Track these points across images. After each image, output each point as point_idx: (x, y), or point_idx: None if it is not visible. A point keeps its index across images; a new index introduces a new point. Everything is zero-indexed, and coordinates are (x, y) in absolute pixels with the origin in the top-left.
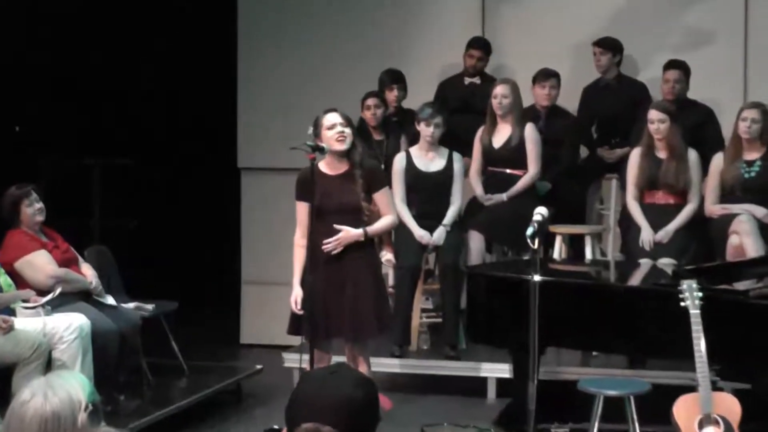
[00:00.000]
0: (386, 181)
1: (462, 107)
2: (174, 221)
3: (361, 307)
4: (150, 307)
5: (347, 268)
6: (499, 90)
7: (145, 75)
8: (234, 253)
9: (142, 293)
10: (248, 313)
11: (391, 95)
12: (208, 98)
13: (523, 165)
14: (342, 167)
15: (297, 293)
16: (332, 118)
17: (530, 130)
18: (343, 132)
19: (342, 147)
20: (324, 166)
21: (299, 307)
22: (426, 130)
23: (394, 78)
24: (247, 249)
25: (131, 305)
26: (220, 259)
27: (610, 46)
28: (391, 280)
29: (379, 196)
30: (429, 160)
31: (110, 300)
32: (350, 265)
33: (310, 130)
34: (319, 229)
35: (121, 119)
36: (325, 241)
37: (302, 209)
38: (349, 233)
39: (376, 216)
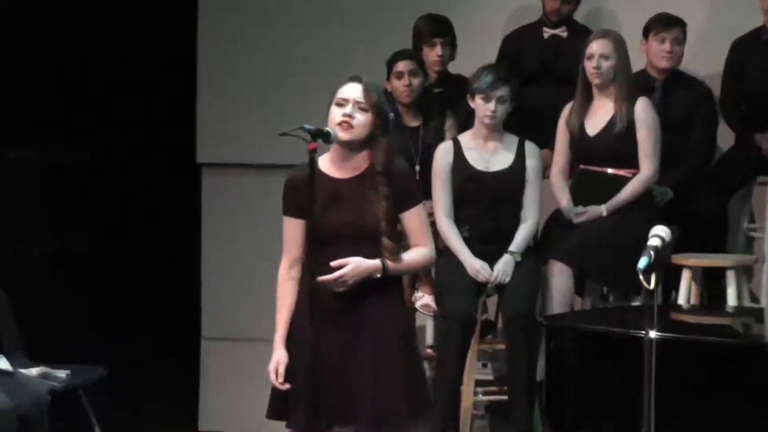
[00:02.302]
0: (420, 194)
1: (539, 73)
2: (102, 244)
3: (382, 382)
4: (63, 374)
5: (362, 322)
6: (597, 47)
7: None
8: (191, 293)
9: (52, 353)
10: (211, 384)
11: (433, 55)
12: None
13: (631, 161)
14: (354, 167)
15: (279, 358)
16: (347, 92)
17: (644, 108)
18: (350, 116)
19: (345, 136)
20: (326, 164)
21: (281, 379)
22: (484, 108)
23: (438, 27)
24: (210, 288)
25: (35, 371)
26: (171, 301)
27: None
28: (429, 337)
29: (409, 218)
30: (488, 154)
31: (3, 364)
32: (366, 316)
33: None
34: (318, 260)
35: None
36: (320, 279)
37: (292, 229)
38: (360, 265)
39: (405, 245)
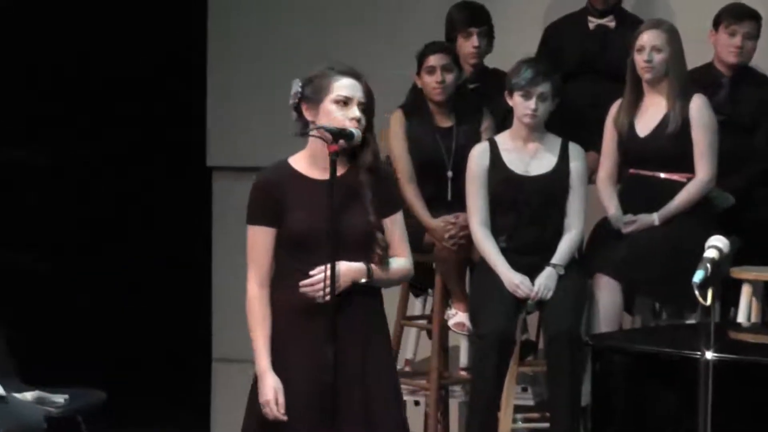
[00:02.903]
0: (401, 199)
1: (584, 68)
2: (100, 258)
3: (372, 399)
4: (60, 398)
5: (343, 333)
6: (648, 39)
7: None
8: (200, 311)
9: (49, 377)
10: (221, 407)
11: (468, 46)
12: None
13: (685, 165)
14: (337, 167)
15: (276, 385)
16: (349, 89)
17: (699, 107)
18: (359, 120)
19: (354, 142)
20: (301, 164)
21: (282, 410)
22: (524, 106)
23: (475, 15)
24: (221, 308)
25: (29, 396)
26: (179, 319)
27: None
28: (463, 359)
29: (391, 224)
30: (528, 156)
31: None
32: (351, 329)
33: (296, 89)
34: (301, 271)
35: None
36: (302, 283)
37: (263, 240)
38: (340, 270)
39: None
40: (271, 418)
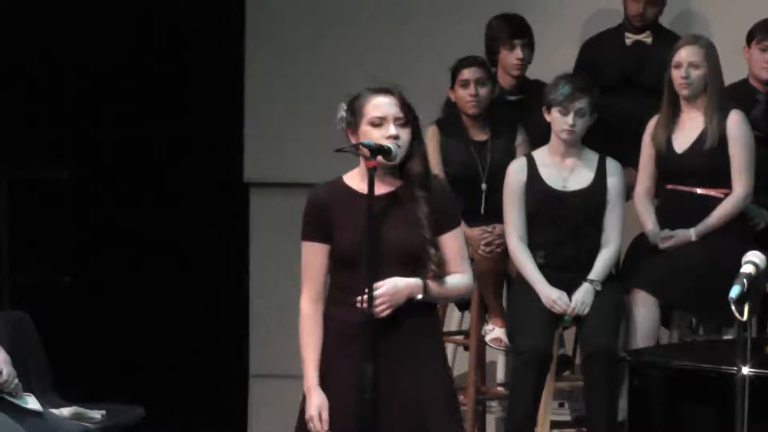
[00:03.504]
0: (459, 216)
1: (621, 83)
2: (137, 273)
3: (426, 419)
4: (98, 414)
5: (395, 350)
6: (685, 55)
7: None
8: (238, 328)
9: (86, 392)
10: (257, 422)
11: (512, 58)
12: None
13: (723, 180)
14: (387, 182)
15: (320, 403)
16: (383, 108)
17: (737, 123)
18: (397, 137)
19: (395, 160)
20: (356, 180)
21: (326, 427)
22: (561, 122)
23: (517, 28)
24: (258, 324)
25: (66, 412)
26: (216, 336)
27: None
28: (500, 374)
29: (448, 241)
30: (566, 172)
31: (32, 403)
32: (405, 347)
33: (341, 114)
34: (353, 288)
35: (56, 110)
36: (358, 298)
37: (317, 257)
38: (398, 284)
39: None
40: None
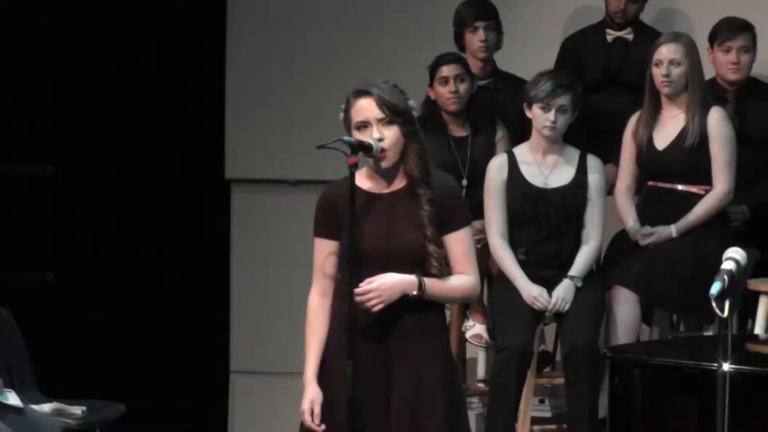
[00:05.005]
0: (469, 216)
1: (602, 80)
2: (119, 270)
3: (421, 425)
4: (78, 410)
5: (395, 350)
6: (666, 52)
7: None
8: (219, 325)
9: (66, 388)
10: (238, 418)
11: (475, 40)
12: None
13: (704, 177)
14: (394, 180)
15: (313, 396)
16: (363, 113)
17: (718, 120)
18: (381, 139)
19: (385, 163)
20: (363, 179)
21: (317, 420)
22: (543, 119)
23: (481, 11)
24: (239, 320)
25: (47, 407)
26: (196, 332)
27: None
28: (481, 371)
29: (454, 241)
30: (547, 169)
31: (12, 399)
32: (400, 344)
33: (341, 116)
34: (354, 284)
35: (40, 107)
36: (357, 290)
37: (326, 252)
38: (391, 278)
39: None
40: (307, 427)
